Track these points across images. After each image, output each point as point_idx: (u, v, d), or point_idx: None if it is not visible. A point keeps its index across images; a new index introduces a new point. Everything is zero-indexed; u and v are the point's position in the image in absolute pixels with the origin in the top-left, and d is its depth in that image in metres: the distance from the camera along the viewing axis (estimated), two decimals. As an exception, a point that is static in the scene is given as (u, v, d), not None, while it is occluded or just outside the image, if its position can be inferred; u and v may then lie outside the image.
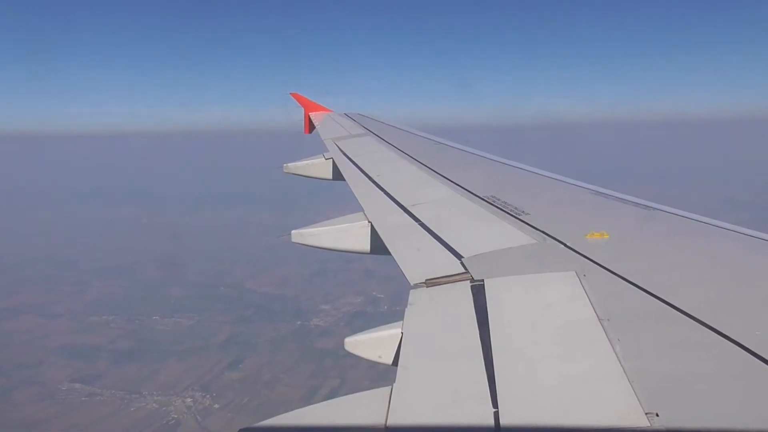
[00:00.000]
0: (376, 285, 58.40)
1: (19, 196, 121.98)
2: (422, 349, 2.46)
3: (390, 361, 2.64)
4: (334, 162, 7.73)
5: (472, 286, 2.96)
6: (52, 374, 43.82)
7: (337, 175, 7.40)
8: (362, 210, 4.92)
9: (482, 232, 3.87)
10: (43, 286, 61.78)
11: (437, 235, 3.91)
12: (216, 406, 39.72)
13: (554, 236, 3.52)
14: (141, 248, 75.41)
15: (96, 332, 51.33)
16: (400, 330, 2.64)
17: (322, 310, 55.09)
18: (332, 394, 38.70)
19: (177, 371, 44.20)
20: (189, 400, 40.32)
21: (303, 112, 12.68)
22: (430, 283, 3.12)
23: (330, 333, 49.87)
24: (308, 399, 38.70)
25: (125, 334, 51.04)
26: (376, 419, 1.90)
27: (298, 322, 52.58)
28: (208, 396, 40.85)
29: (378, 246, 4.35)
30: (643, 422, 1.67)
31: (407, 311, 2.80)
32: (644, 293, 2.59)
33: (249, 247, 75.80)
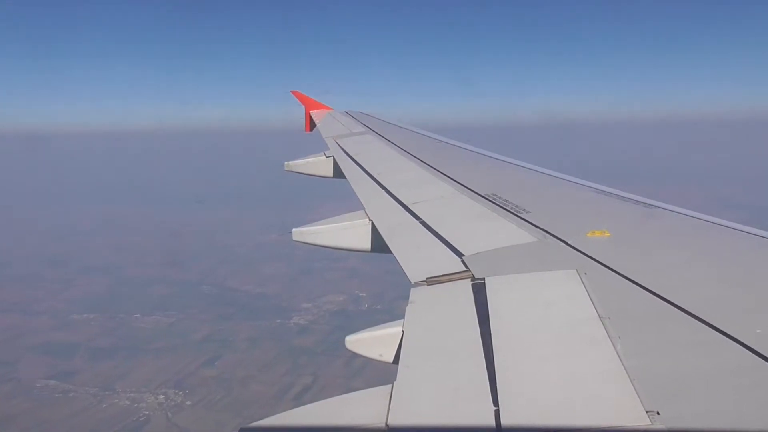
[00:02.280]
0: (359, 283, 58.71)
1: (15, 195, 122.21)
2: (423, 347, 2.46)
3: (391, 359, 2.63)
4: (334, 160, 7.73)
5: (473, 285, 2.95)
6: (28, 371, 44.01)
7: (338, 173, 7.40)
8: (363, 208, 4.92)
9: (483, 231, 3.87)
10: (27, 284, 62.02)
11: (438, 233, 3.91)
12: (188, 403, 40.01)
13: (555, 234, 3.52)
14: (131, 246, 75.79)
15: (76, 330, 51.55)
16: (401, 328, 2.64)
17: (302, 308, 55.31)
18: (304, 392, 38.94)
19: (152, 369, 44.46)
20: (161, 397, 40.59)
21: (304, 110, 12.69)
22: (431, 281, 3.11)
23: (308, 331, 50.26)
24: (280, 396, 39.23)
25: (104, 332, 51.23)
26: (376, 418, 1.90)
27: (278, 321, 52.83)
28: (180, 393, 41.10)
29: (379, 244, 4.35)
30: (644, 421, 1.67)
31: (408, 309, 2.79)
32: (645, 291, 2.58)
33: (239, 246, 76.11)
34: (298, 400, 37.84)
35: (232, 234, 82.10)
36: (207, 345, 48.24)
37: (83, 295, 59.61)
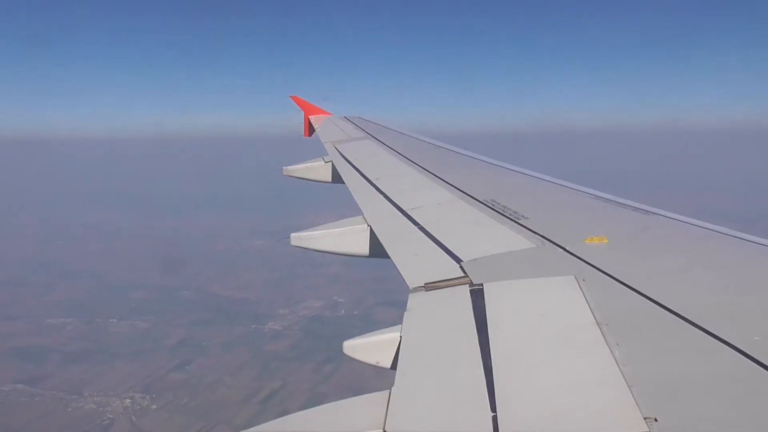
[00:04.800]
0: (339, 289, 59.03)
1: (11, 199, 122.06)
2: (421, 353, 2.46)
3: (388, 365, 2.63)
4: (333, 165, 7.73)
5: (471, 290, 2.95)
6: (-4, 375, 44.05)
7: (337, 178, 7.40)
8: (362, 213, 4.92)
9: (482, 236, 3.87)
10: (7, 288, 61.95)
11: (436, 239, 3.91)
12: (153, 407, 40.16)
13: (553, 240, 3.52)
14: (119, 252, 76.10)
15: (50, 334, 51.67)
16: (398, 334, 2.64)
17: (279, 314, 55.62)
18: (272, 396, 39.24)
19: (122, 373, 44.57)
20: (128, 401, 40.73)
21: (303, 115, 12.69)
22: (429, 286, 3.11)
23: (282, 336, 50.56)
24: (247, 400, 39.58)
25: (79, 337, 51.39)
26: (374, 425, 1.89)
27: (253, 326, 53.14)
28: (147, 397, 41.23)
29: (377, 250, 4.35)
30: (642, 427, 1.67)
31: (406, 315, 2.79)
32: (643, 298, 2.58)
33: (229, 251, 76.27)
34: (264, 405, 38.40)
35: (225, 239, 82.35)
36: (180, 350, 48.43)
37: (62, 299, 59.74)
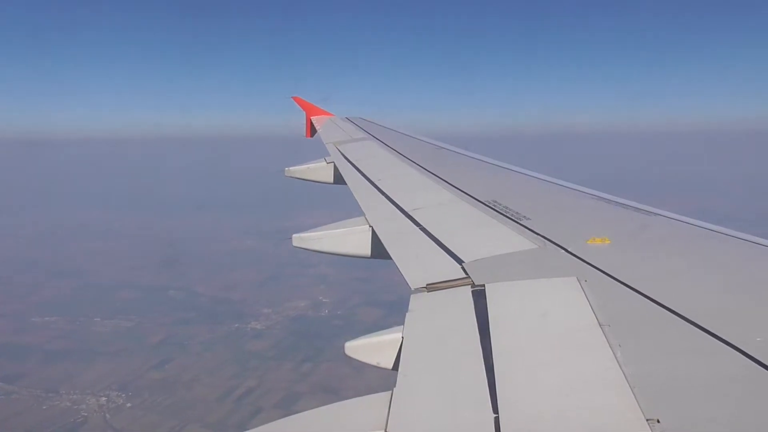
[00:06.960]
0: (325, 289, 59.20)
1: (9, 199, 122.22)
2: (423, 354, 2.46)
3: (390, 365, 2.63)
4: (335, 166, 7.74)
5: (473, 291, 2.95)
6: (-26, 373, 44.13)
7: (339, 178, 7.41)
8: (363, 214, 4.93)
9: (483, 237, 3.87)
10: None
11: (438, 240, 3.91)
12: (128, 405, 40.40)
13: (555, 241, 3.52)
14: (111, 252, 76.34)
15: (34, 333, 51.93)
16: (400, 334, 2.64)
17: (262, 313, 55.78)
18: (247, 395, 39.44)
19: (101, 371, 44.77)
20: (103, 399, 40.94)
21: (305, 116, 12.72)
22: (431, 287, 3.11)
23: (264, 336, 50.69)
24: (222, 399, 39.72)
25: (62, 335, 51.64)
26: (376, 426, 1.89)
27: (236, 325, 53.30)
28: (123, 395, 41.43)
29: (379, 250, 4.35)
30: (645, 429, 1.67)
31: (408, 316, 2.79)
32: (645, 299, 2.58)
33: (222, 251, 76.33)
34: (239, 403, 38.55)
35: (223, 240, 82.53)
36: (161, 348, 48.61)
37: (49, 298, 59.99)
